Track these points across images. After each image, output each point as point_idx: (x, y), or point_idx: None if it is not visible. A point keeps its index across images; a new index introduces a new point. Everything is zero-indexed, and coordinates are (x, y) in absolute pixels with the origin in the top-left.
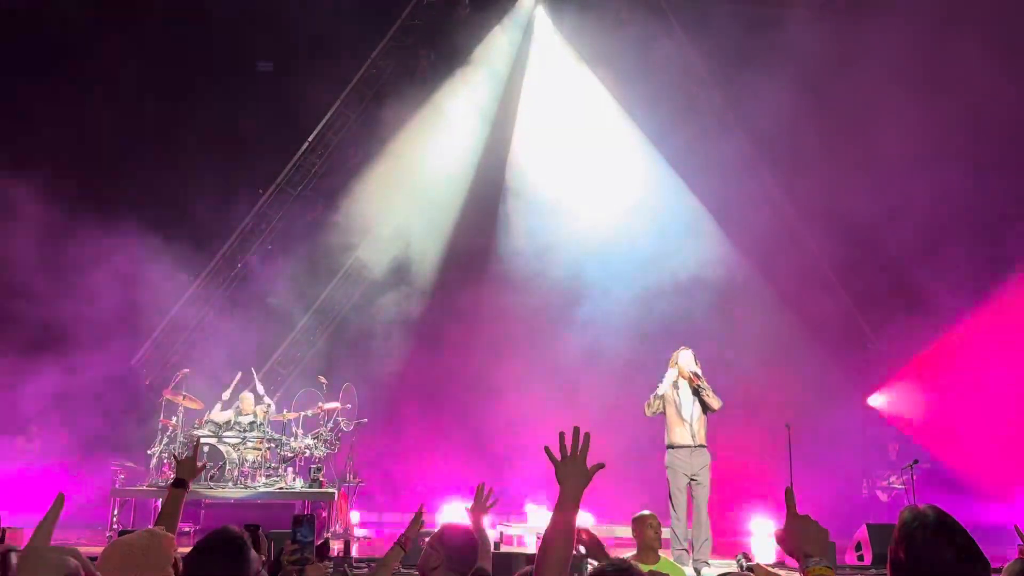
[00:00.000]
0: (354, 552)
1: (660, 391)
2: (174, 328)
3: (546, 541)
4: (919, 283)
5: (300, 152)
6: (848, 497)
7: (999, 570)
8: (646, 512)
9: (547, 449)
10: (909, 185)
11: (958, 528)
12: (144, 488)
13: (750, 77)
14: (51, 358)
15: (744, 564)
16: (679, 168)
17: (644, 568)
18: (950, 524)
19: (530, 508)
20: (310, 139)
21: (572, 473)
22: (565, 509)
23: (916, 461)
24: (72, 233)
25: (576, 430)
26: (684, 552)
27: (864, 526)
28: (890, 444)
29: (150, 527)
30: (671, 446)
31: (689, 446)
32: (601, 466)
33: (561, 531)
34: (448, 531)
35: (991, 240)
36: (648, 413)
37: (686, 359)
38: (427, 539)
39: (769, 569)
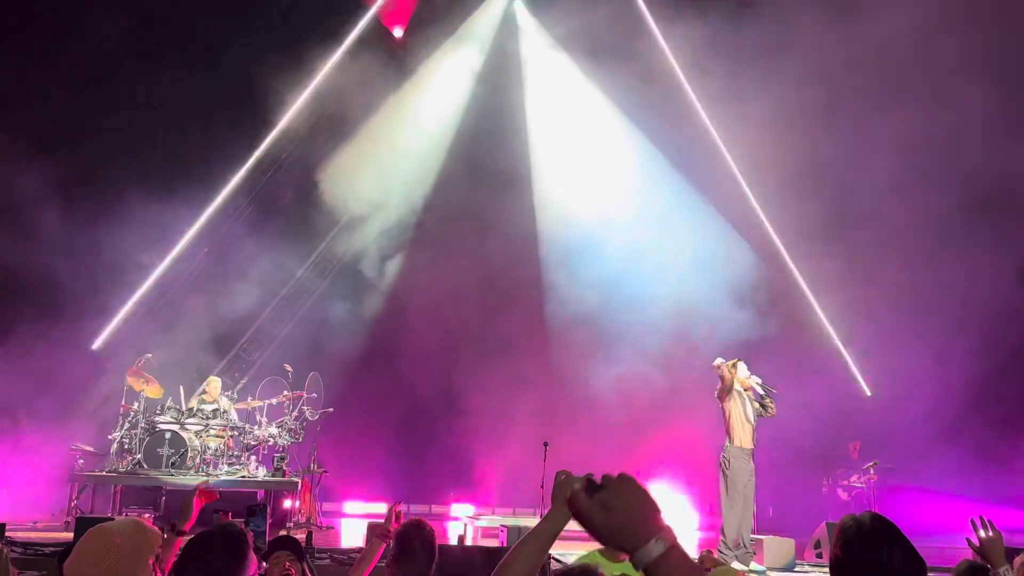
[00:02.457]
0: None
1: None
2: (138, 311)
3: (523, 541)
4: None
5: (269, 137)
6: (809, 495)
7: (950, 570)
8: None
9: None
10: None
11: (896, 533)
12: (104, 473)
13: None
14: (12, 340)
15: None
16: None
17: (609, 566)
18: (888, 530)
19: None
20: (280, 125)
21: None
22: (554, 521)
23: (876, 462)
24: (34, 211)
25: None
26: (749, 554)
27: (824, 524)
28: (851, 444)
29: (133, 517)
30: (739, 447)
31: (751, 449)
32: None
33: (543, 539)
34: (403, 528)
35: None
36: (728, 376)
37: (743, 370)
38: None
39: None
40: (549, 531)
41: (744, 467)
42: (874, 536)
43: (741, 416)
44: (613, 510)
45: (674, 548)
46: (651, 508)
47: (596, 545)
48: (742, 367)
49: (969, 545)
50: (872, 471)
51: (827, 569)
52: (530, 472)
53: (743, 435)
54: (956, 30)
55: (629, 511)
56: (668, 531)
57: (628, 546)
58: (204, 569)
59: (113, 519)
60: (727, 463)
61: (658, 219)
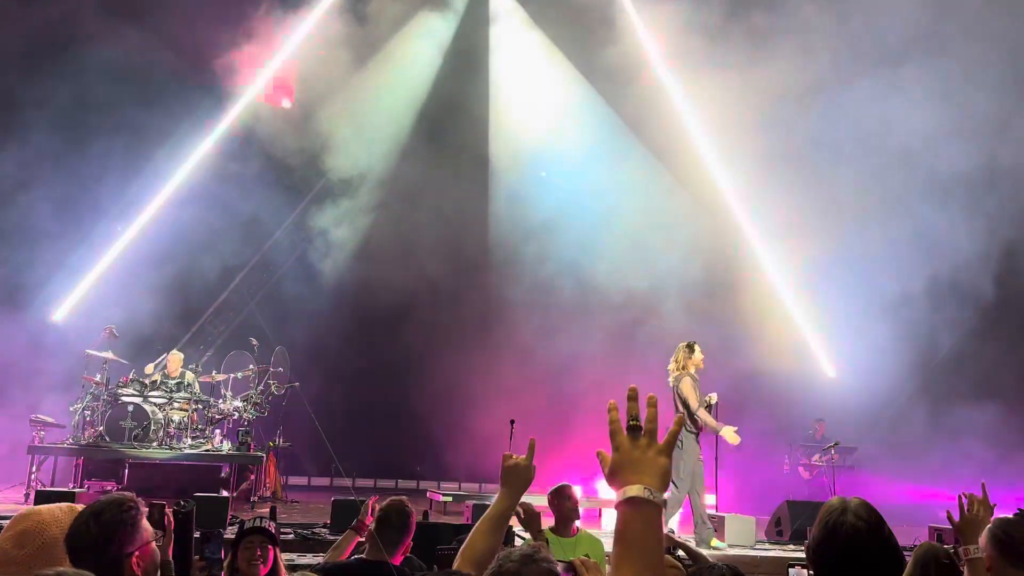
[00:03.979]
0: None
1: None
2: (101, 282)
3: (479, 525)
4: None
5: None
6: (771, 474)
7: (909, 548)
8: (563, 484)
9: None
10: None
11: (879, 523)
12: (65, 445)
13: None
14: None
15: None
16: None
17: (559, 546)
18: (872, 520)
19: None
20: (248, 95)
21: (519, 478)
22: (504, 502)
23: (837, 443)
24: None
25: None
26: (709, 530)
27: (784, 502)
28: (816, 423)
29: (70, 504)
30: (689, 430)
31: (699, 432)
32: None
33: (495, 521)
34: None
35: None
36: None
37: (699, 352)
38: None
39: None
40: (500, 512)
41: (695, 448)
42: (857, 525)
43: (696, 400)
44: (637, 451)
45: (652, 504)
46: (661, 465)
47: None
48: (698, 350)
49: (949, 519)
50: (833, 451)
51: (786, 546)
52: (497, 448)
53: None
54: None
55: (647, 458)
56: (660, 494)
57: (622, 481)
58: (85, 536)
59: (74, 493)
60: (680, 444)
61: (621, 186)
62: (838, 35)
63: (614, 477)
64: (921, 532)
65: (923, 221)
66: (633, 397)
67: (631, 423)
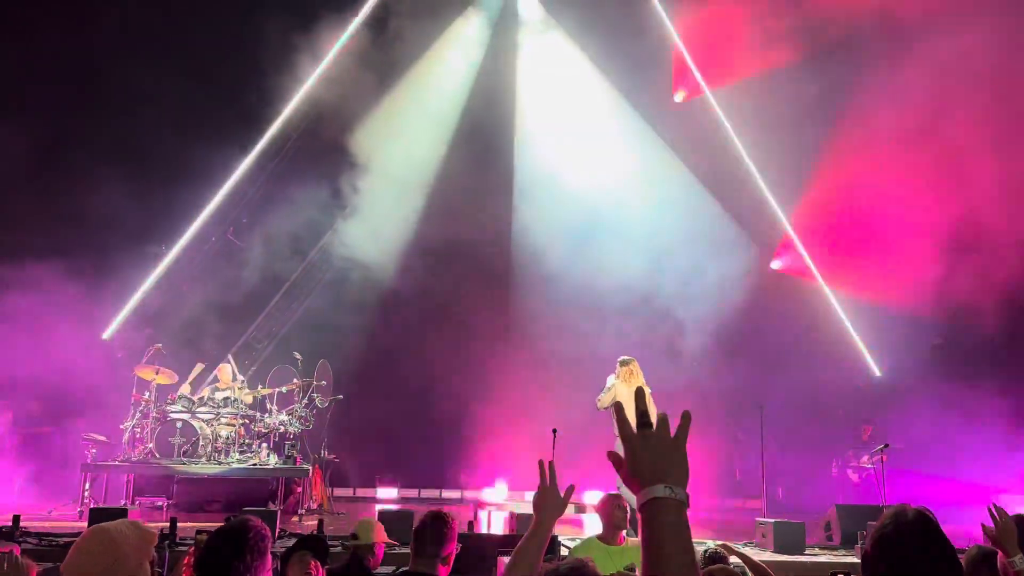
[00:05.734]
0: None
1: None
2: (148, 301)
3: (513, 556)
4: None
5: (274, 125)
6: (818, 476)
7: (962, 551)
8: (616, 492)
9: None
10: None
11: (936, 532)
12: (116, 463)
13: None
14: (23, 330)
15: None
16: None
17: (602, 557)
18: (929, 529)
19: (500, 485)
20: (285, 113)
21: (549, 503)
22: (539, 534)
23: (887, 445)
24: (44, 195)
25: (548, 464)
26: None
27: (834, 507)
28: (863, 425)
29: (134, 520)
30: None
31: None
32: (572, 490)
33: (533, 548)
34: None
35: None
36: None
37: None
38: None
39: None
40: (535, 544)
41: None
42: (913, 536)
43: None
44: (649, 444)
45: (678, 503)
46: (679, 460)
47: (593, 531)
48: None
49: (984, 531)
50: (883, 453)
51: (836, 552)
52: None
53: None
54: None
55: (659, 451)
56: (683, 490)
57: (642, 480)
58: (215, 559)
59: (126, 509)
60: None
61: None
62: None
63: (633, 478)
64: (975, 536)
65: None
66: (640, 396)
67: (641, 420)
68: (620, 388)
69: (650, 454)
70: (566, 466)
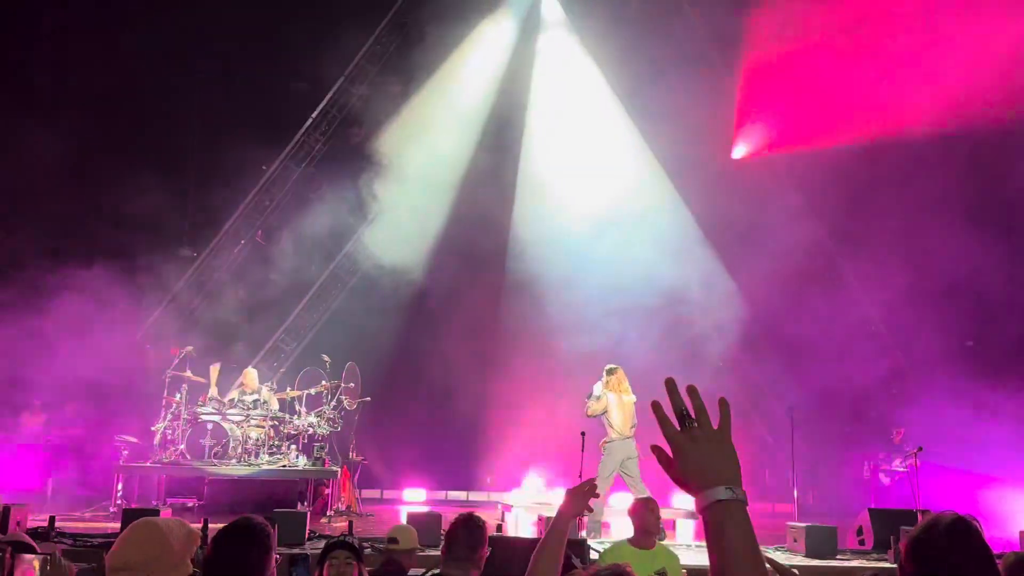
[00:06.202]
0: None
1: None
2: (177, 305)
3: (536, 552)
4: None
5: (303, 128)
6: (848, 479)
7: (1000, 555)
8: (649, 496)
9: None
10: None
11: (976, 537)
12: (148, 464)
13: None
14: (54, 333)
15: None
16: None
17: (636, 560)
18: (970, 535)
19: (529, 481)
20: (314, 115)
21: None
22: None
23: (920, 448)
24: (77, 205)
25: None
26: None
27: (866, 511)
28: (894, 428)
29: (179, 518)
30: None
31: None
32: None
33: (555, 541)
34: (455, 520)
35: None
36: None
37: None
38: None
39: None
40: (557, 540)
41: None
42: (951, 543)
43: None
44: (698, 443)
45: (740, 503)
46: (729, 453)
47: (624, 535)
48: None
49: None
50: (915, 456)
51: (868, 556)
52: (569, 459)
53: (623, 424)
54: None
55: (708, 448)
56: (741, 489)
57: (699, 483)
58: (224, 558)
59: (158, 509)
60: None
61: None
62: None
63: (688, 479)
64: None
65: None
66: (673, 389)
67: (680, 414)
68: (609, 396)
69: (700, 453)
70: (592, 468)
